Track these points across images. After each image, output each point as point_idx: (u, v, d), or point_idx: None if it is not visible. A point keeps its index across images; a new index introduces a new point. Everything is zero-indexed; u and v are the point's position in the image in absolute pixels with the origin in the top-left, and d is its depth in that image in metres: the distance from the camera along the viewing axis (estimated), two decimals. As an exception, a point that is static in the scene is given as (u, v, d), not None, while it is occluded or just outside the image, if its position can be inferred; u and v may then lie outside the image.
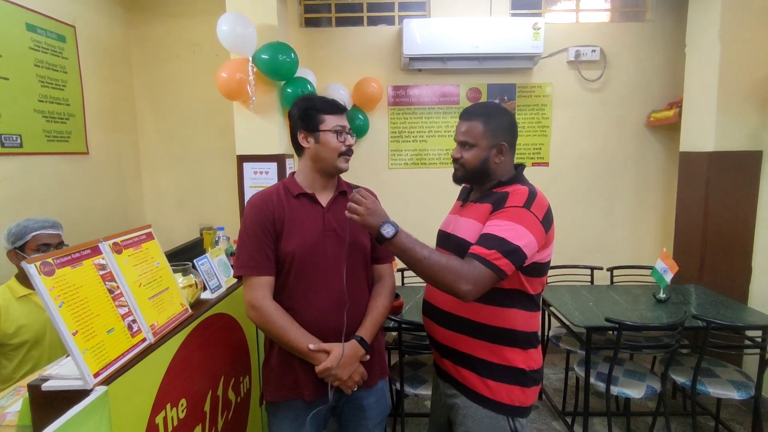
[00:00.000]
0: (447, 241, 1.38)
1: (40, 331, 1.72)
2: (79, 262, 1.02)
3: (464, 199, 1.46)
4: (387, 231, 1.16)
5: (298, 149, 1.40)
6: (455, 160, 1.36)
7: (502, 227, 1.19)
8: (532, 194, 1.25)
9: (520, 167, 1.38)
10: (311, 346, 1.27)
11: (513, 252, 1.16)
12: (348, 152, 1.37)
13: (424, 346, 2.15)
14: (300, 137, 1.37)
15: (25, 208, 2.31)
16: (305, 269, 1.31)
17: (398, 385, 2.08)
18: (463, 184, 1.51)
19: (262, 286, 1.30)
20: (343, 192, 1.42)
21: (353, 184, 1.48)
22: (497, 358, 1.27)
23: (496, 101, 3.27)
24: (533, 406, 1.34)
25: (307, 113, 1.35)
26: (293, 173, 1.44)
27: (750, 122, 2.71)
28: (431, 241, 1.43)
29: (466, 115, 1.35)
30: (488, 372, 1.28)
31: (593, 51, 3.25)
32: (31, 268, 0.90)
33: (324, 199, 1.39)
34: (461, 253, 1.22)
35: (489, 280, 1.15)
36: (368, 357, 1.35)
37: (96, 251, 1.08)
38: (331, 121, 1.34)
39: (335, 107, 1.37)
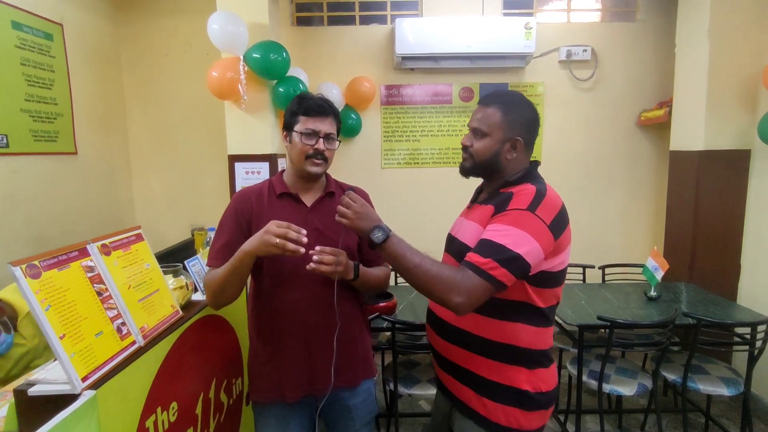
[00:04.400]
0: (452, 244, 1.29)
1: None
2: (67, 264, 1.00)
3: (473, 199, 1.36)
4: (377, 236, 1.09)
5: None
6: (464, 149, 1.25)
7: (501, 232, 1.07)
8: (540, 195, 1.12)
9: (533, 164, 1.26)
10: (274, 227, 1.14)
11: (512, 260, 1.04)
12: (315, 155, 1.28)
13: (417, 345, 2.15)
14: (282, 135, 1.38)
15: (12, 210, 2.27)
16: (285, 268, 1.28)
17: (392, 385, 2.08)
18: (477, 183, 1.41)
19: None
20: (331, 193, 1.38)
21: (346, 184, 1.45)
22: (497, 376, 1.16)
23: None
24: (540, 429, 1.20)
25: (291, 112, 1.33)
26: (282, 171, 1.41)
27: (739, 121, 2.74)
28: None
29: (485, 100, 1.23)
30: (486, 390, 1.17)
31: (584, 51, 3.27)
32: (17, 271, 0.88)
33: (309, 199, 1.35)
34: (462, 259, 1.12)
35: (484, 292, 1.04)
36: (342, 265, 1.21)
37: (84, 253, 1.06)
38: (305, 123, 1.28)
39: (314, 109, 1.29)
